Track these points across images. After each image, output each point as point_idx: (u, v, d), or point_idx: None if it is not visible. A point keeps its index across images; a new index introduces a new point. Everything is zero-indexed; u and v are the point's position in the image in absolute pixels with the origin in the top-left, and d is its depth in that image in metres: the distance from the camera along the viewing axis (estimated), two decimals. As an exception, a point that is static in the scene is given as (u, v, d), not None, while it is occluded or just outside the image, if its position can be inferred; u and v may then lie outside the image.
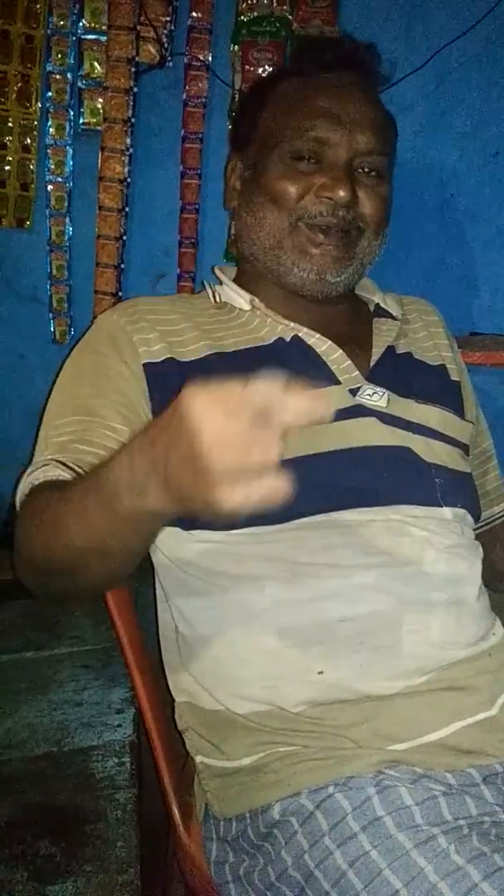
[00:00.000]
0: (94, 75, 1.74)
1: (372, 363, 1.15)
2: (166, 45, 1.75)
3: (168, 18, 1.74)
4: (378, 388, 1.12)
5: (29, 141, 1.75)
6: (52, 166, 1.76)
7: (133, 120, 1.74)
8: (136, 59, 1.73)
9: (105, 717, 1.15)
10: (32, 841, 0.93)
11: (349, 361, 1.13)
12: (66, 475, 0.97)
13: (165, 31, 1.74)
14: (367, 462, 1.06)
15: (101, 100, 1.74)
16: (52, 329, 1.83)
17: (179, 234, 1.84)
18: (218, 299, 1.20)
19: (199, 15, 1.76)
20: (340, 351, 1.13)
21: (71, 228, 1.80)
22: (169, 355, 1.09)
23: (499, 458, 1.36)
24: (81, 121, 1.76)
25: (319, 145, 1.11)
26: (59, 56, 1.73)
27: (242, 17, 1.78)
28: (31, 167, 1.76)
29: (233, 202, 1.23)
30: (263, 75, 1.74)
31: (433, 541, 1.04)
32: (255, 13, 1.78)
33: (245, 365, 1.10)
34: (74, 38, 1.73)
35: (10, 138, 1.74)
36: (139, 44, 1.73)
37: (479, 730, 0.98)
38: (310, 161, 1.12)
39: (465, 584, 1.06)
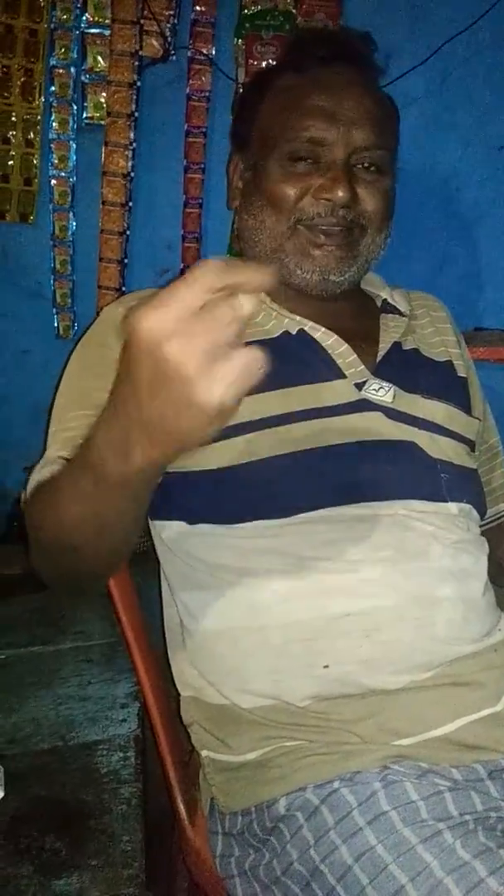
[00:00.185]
0: (98, 69, 1.74)
1: (378, 358, 1.15)
2: (170, 39, 1.75)
3: (171, 12, 1.74)
4: (384, 383, 1.12)
5: (32, 135, 1.75)
6: (56, 161, 1.76)
7: (136, 114, 1.74)
8: (140, 53, 1.73)
9: (110, 712, 1.15)
10: (38, 835, 0.93)
11: (355, 356, 1.13)
12: None
13: (169, 25, 1.74)
14: (372, 457, 1.06)
15: (104, 94, 1.74)
16: (55, 324, 1.83)
17: (183, 228, 1.84)
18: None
19: (203, 9, 1.76)
20: (346, 345, 1.13)
21: (74, 223, 1.80)
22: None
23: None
24: (85, 115, 1.76)
25: (316, 145, 1.10)
26: (63, 50, 1.73)
27: (246, 11, 1.77)
28: (35, 162, 1.76)
29: (235, 201, 1.22)
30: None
31: (439, 536, 1.04)
32: (259, 7, 1.77)
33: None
34: (78, 33, 1.73)
35: (14, 133, 1.73)
36: (142, 38, 1.72)
37: (484, 725, 0.98)
38: (307, 161, 1.11)
39: (470, 579, 1.06)
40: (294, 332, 1.14)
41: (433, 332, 1.27)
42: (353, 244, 1.13)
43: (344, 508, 1.03)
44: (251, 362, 0.59)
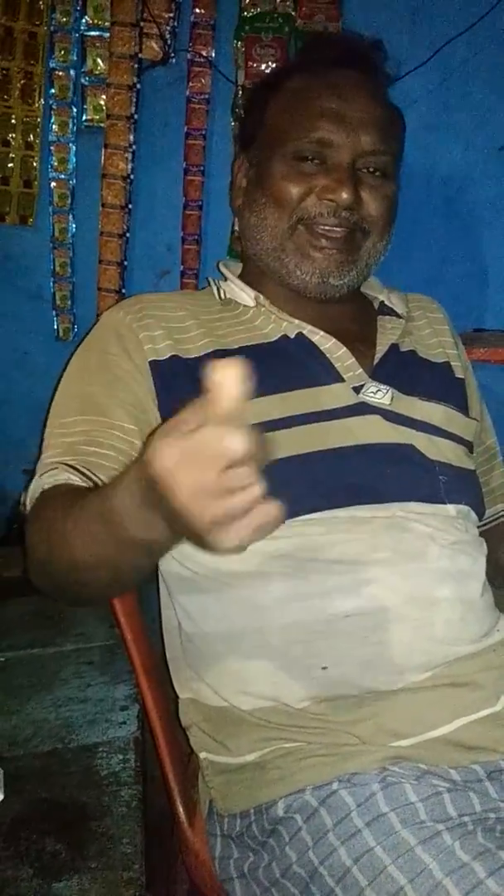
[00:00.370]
0: (97, 72, 1.74)
1: (376, 361, 1.15)
2: (169, 42, 1.75)
3: (171, 14, 1.74)
4: (382, 386, 1.12)
5: (32, 138, 1.75)
6: (56, 163, 1.77)
7: (136, 116, 1.74)
8: (139, 55, 1.73)
9: (110, 714, 1.15)
10: (38, 838, 0.93)
11: (353, 359, 1.13)
12: (75, 479, 0.97)
13: (168, 28, 1.74)
14: (370, 459, 1.06)
15: (103, 96, 1.74)
16: (55, 326, 1.84)
17: (183, 230, 1.84)
18: (223, 296, 1.20)
19: (202, 11, 1.76)
20: (344, 348, 1.13)
21: (74, 225, 1.80)
22: (174, 353, 1.09)
23: (503, 455, 1.35)
24: (84, 117, 1.76)
25: (322, 146, 1.10)
26: (62, 53, 1.73)
27: (245, 14, 1.78)
28: (35, 164, 1.76)
29: (238, 200, 1.22)
30: (267, 72, 1.75)
31: (437, 537, 1.04)
32: (258, 9, 1.78)
33: (249, 362, 1.10)
34: (77, 35, 1.73)
35: (14, 135, 1.74)
36: (142, 40, 1.73)
37: (483, 726, 0.98)
38: (313, 162, 1.11)
39: (469, 580, 1.06)
40: (292, 336, 1.14)
41: (430, 334, 1.27)
42: (355, 248, 1.13)
43: (343, 511, 1.03)
44: (268, 517, 0.61)
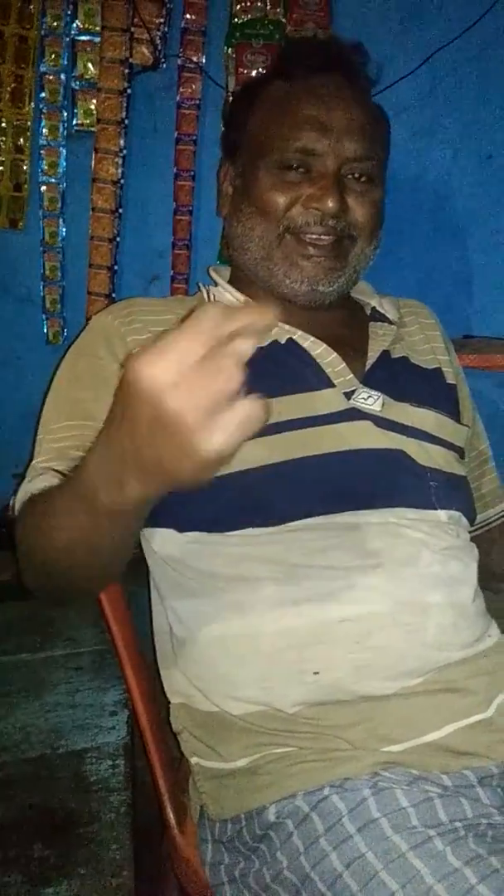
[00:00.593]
0: (88, 76, 1.74)
1: (367, 367, 1.15)
2: (160, 47, 1.75)
3: (162, 20, 1.74)
4: (373, 392, 1.12)
5: (22, 141, 1.75)
6: (46, 167, 1.76)
7: (126, 121, 1.74)
8: (130, 60, 1.73)
9: (99, 720, 1.15)
10: (26, 844, 0.93)
11: (344, 364, 1.13)
12: None
13: (159, 33, 1.75)
14: (361, 465, 1.07)
15: (94, 101, 1.74)
16: (45, 330, 1.83)
17: (173, 235, 1.84)
18: (212, 300, 1.20)
19: (193, 17, 1.77)
20: (335, 354, 1.13)
21: (64, 229, 1.80)
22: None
23: (495, 461, 1.36)
24: (75, 122, 1.76)
25: (306, 155, 1.10)
26: (53, 57, 1.73)
27: (236, 20, 1.78)
28: (25, 168, 1.76)
29: (225, 208, 1.22)
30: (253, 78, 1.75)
31: (428, 543, 1.05)
32: (249, 16, 1.78)
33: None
34: (68, 39, 1.73)
35: (4, 139, 1.73)
36: (133, 45, 1.73)
37: (474, 731, 0.98)
38: (297, 171, 1.11)
39: (460, 585, 1.06)
40: (283, 342, 1.14)
41: (422, 340, 1.27)
42: (343, 254, 1.13)
43: (334, 517, 1.03)
44: (252, 413, 0.60)
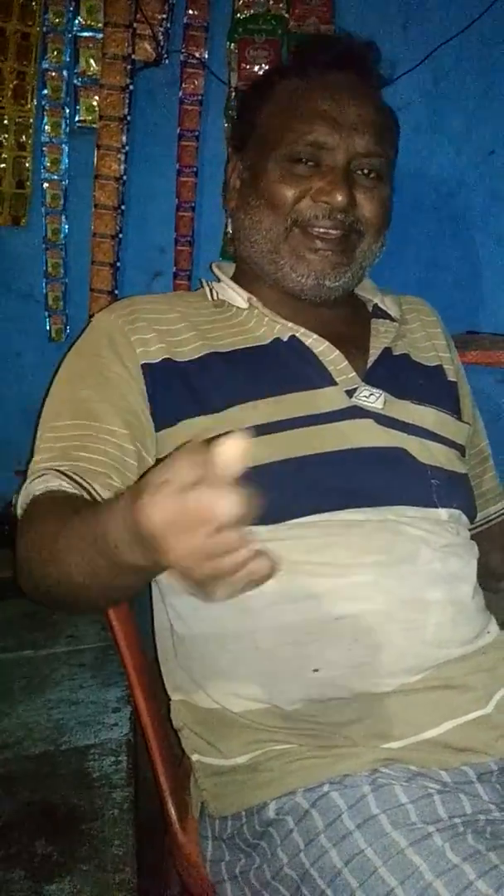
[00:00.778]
0: (90, 73, 1.74)
1: (369, 364, 1.16)
2: (162, 43, 1.75)
3: (164, 16, 1.74)
4: (374, 390, 1.12)
5: (24, 138, 1.74)
6: (48, 164, 1.76)
7: (129, 118, 1.74)
8: (132, 56, 1.73)
9: (101, 716, 1.15)
10: (29, 840, 0.93)
11: (346, 362, 1.13)
12: (66, 485, 0.97)
13: (161, 29, 1.74)
14: (362, 463, 1.07)
15: (96, 97, 1.74)
16: (47, 327, 1.83)
17: (176, 232, 1.84)
18: (215, 296, 1.20)
19: (196, 12, 1.76)
20: (337, 352, 1.13)
21: (67, 226, 1.79)
22: (167, 356, 1.09)
23: (495, 458, 1.36)
24: (77, 118, 1.76)
25: (317, 149, 1.10)
26: (55, 53, 1.73)
27: (238, 15, 1.78)
28: (27, 165, 1.76)
29: (232, 202, 1.22)
30: (260, 73, 1.74)
31: (428, 540, 1.05)
32: (252, 11, 1.78)
33: (242, 365, 1.11)
34: (70, 36, 1.73)
35: (6, 136, 1.73)
36: (135, 41, 1.72)
37: (473, 728, 0.99)
38: (307, 164, 1.11)
39: (460, 582, 1.06)
40: (285, 339, 1.14)
41: (423, 337, 1.27)
42: (350, 249, 1.13)
43: (335, 514, 1.03)
44: (258, 569, 0.63)
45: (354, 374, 1.13)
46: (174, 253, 1.85)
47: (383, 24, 1.82)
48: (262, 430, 1.04)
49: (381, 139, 1.14)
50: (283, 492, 1.04)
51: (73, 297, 1.82)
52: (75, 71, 1.74)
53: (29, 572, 0.95)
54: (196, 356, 1.10)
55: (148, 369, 1.08)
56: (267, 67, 1.75)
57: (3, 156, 1.73)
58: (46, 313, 1.83)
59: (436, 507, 1.08)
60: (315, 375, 1.11)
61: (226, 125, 1.81)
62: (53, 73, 1.73)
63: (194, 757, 1.07)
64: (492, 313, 1.98)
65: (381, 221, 1.15)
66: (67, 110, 1.75)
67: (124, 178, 1.76)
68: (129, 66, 1.72)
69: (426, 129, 1.88)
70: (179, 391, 1.07)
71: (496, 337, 1.85)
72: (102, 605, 1.02)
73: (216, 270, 1.26)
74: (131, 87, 1.73)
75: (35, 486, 0.99)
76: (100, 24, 1.71)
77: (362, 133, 1.11)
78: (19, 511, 1.00)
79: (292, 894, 0.90)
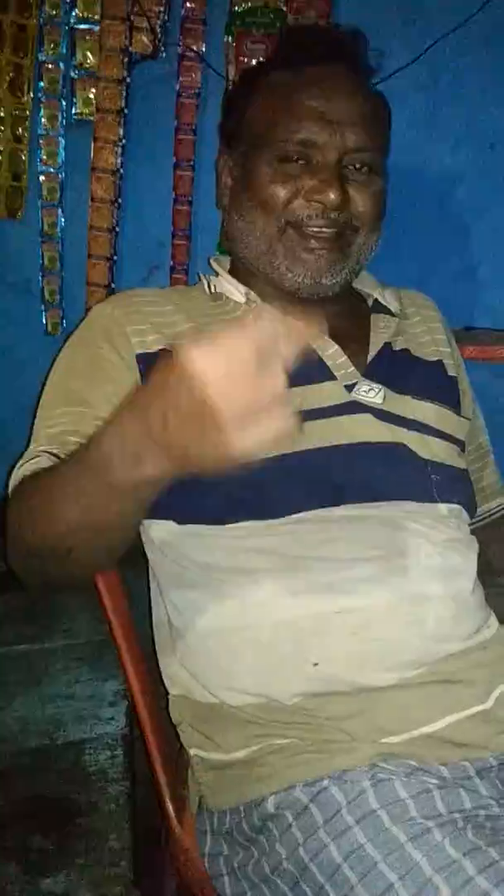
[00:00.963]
0: (87, 65, 1.73)
1: (368, 359, 1.15)
2: (160, 36, 1.74)
3: (161, 9, 1.72)
4: (374, 385, 1.12)
5: (21, 131, 1.73)
6: (45, 157, 1.75)
7: (126, 111, 1.73)
8: (130, 49, 1.71)
9: (98, 710, 1.15)
10: (25, 835, 0.93)
11: (345, 357, 1.12)
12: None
13: (159, 22, 1.73)
14: (363, 458, 1.06)
15: (93, 90, 1.73)
16: (44, 321, 1.82)
17: (173, 225, 1.83)
18: (213, 290, 1.19)
19: (193, 5, 1.75)
20: (336, 346, 1.13)
21: (63, 219, 1.78)
22: (163, 346, 1.09)
23: (495, 453, 1.36)
24: (74, 111, 1.75)
25: (307, 147, 1.09)
26: (52, 46, 1.71)
27: (236, 8, 1.77)
28: (23, 157, 1.74)
29: (224, 200, 1.21)
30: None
31: (429, 535, 1.05)
32: (250, 4, 1.77)
33: None
34: (67, 28, 1.71)
35: (2, 128, 1.72)
36: (132, 34, 1.71)
37: (473, 723, 0.98)
38: (298, 163, 1.10)
39: (460, 577, 1.06)
40: (284, 333, 1.13)
41: (424, 332, 1.27)
42: (345, 246, 1.13)
43: (335, 509, 1.03)
44: (286, 426, 0.62)
45: (353, 368, 1.12)
46: (171, 247, 1.84)
47: (381, 17, 1.80)
48: None
49: (373, 132, 1.12)
50: (282, 487, 1.03)
51: (69, 290, 1.81)
52: (72, 63, 1.73)
53: (17, 536, 0.93)
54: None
55: (143, 359, 1.08)
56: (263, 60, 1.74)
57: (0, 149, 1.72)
58: (42, 307, 1.82)
59: (436, 502, 1.08)
60: (314, 370, 1.11)
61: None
62: (50, 66, 1.72)
63: (192, 751, 1.06)
64: (490, 309, 1.98)
65: (375, 215, 1.14)
66: (64, 103, 1.74)
67: (121, 171, 1.75)
68: (126, 59, 1.71)
69: (425, 123, 1.87)
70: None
71: (495, 332, 1.85)
72: (94, 558, 0.96)
73: (214, 264, 1.25)
74: (128, 79, 1.72)
75: (26, 467, 0.98)
76: (97, 17, 1.69)
77: (353, 128, 1.09)
78: (10, 490, 0.99)
79: (291, 889, 0.90)
